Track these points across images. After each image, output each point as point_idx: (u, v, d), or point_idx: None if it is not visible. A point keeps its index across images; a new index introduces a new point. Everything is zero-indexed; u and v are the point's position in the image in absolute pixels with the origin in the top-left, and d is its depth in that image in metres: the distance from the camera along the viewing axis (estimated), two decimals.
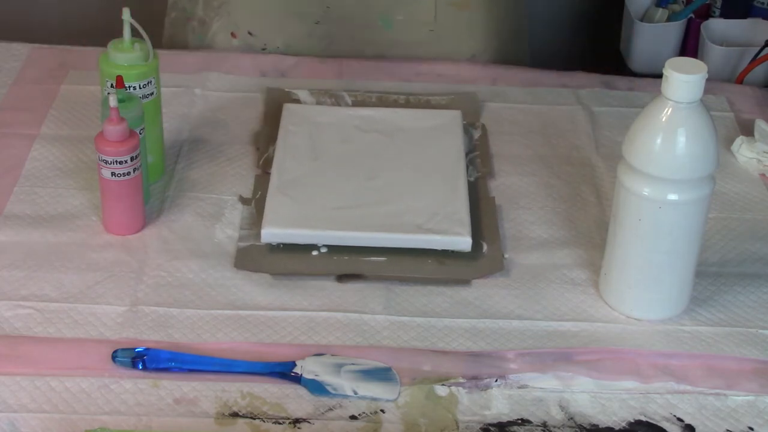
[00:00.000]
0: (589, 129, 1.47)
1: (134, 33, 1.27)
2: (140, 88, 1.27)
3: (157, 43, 1.35)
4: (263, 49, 1.61)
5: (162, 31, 1.70)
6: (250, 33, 1.61)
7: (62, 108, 1.45)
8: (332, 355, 1.11)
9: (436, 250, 1.23)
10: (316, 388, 1.08)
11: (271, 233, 1.23)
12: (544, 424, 1.06)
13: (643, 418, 1.07)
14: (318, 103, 1.48)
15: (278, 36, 1.60)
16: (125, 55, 1.27)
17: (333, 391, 1.07)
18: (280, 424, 1.04)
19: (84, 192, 1.31)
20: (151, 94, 1.29)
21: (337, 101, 1.49)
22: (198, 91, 1.50)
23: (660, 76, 1.09)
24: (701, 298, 1.21)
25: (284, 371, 1.09)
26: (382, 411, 1.06)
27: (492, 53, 1.65)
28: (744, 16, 1.75)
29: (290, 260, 1.22)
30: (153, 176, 1.32)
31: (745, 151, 1.41)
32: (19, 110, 1.44)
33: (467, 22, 1.61)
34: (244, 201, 1.31)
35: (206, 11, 1.62)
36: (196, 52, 1.62)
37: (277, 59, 1.58)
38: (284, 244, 1.23)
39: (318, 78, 1.54)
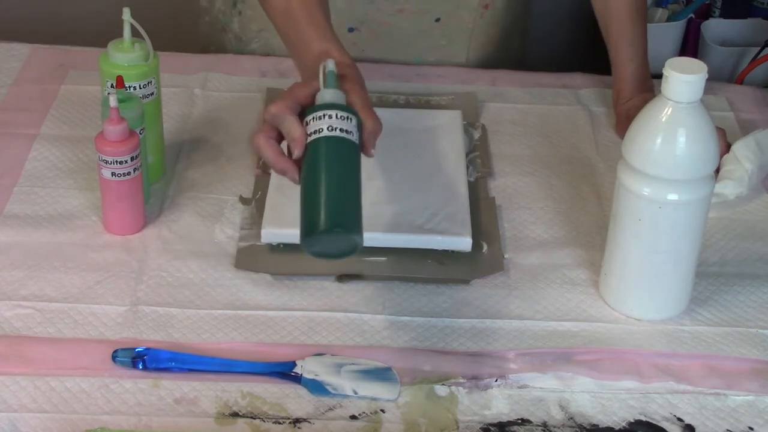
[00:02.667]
0: (589, 129, 1.47)
1: (134, 33, 1.27)
2: (140, 88, 1.27)
3: (161, 44, 1.35)
4: None
5: (163, 33, 1.69)
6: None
7: (62, 108, 1.45)
8: (332, 355, 1.11)
9: (436, 250, 1.23)
10: (316, 388, 1.08)
11: (271, 233, 1.23)
12: (544, 424, 1.06)
13: (643, 418, 1.07)
14: None
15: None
16: (125, 55, 1.27)
17: (333, 391, 1.07)
18: (280, 424, 1.04)
19: (84, 192, 1.31)
20: (151, 94, 1.29)
21: None
22: (198, 91, 1.50)
23: (660, 76, 1.09)
24: (701, 298, 1.21)
25: (284, 371, 1.09)
26: (382, 411, 1.06)
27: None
28: (744, 16, 1.75)
29: (290, 260, 1.22)
30: (153, 176, 1.32)
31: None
32: (19, 110, 1.44)
33: (495, 55, 1.62)
34: (244, 201, 1.31)
35: (243, 31, 1.61)
36: (196, 52, 1.62)
37: (277, 60, 1.58)
38: (284, 244, 1.23)
39: None
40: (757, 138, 1.35)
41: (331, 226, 1.03)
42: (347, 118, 1.07)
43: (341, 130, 1.06)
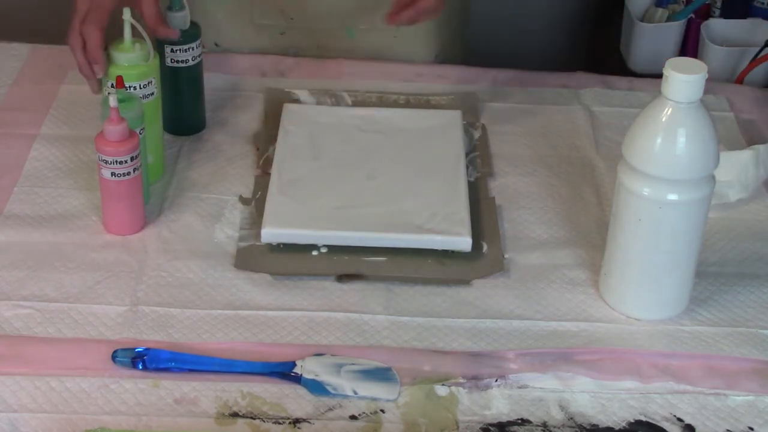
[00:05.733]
0: (589, 129, 1.47)
1: (134, 33, 1.27)
2: (140, 88, 1.28)
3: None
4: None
5: None
6: (216, 44, 1.61)
7: (62, 108, 1.45)
8: (332, 355, 1.11)
9: (436, 250, 1.23)
10: (316, 388, 1.08)
11: (271, 233, 1.23)
12: (544, 424, 1.06)
13: (643, 418, 1.07)
14: (318, 103, 1.48)
15: (244, 47, 1.60)
16: (125, 55, 1.27)
17: (333, 391, 1.07)
18: (280, 424, 1.04)
19: (84, 192, 1.31)
20: (151, 94, 1.29)
21: (337, 101, 1.49)
22: None
23: (660, 76, 1.09)
24: (701, 298, 1.21)
25: (284, 371, 1.09)
26: (382, 411, 1.06)
27: (456, 54, 1.64)
28: (744, 16, 1.75)
29: (290, 260, 1.22)
30: (153, 176, 1.32)
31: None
32: (19, 110, 1.44)
33: (428, 27, 1.60)
34: (244, 201, 1.31)
35: None
36: None
37: (277, 59, 1.58)
38: (284, 244, 1.23)
39: (318, 78, 1.54)
40: None
41: None
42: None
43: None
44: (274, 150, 1.36)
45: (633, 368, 1.12)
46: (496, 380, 1.10)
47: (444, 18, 1.59)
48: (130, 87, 1.26)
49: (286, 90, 1.51)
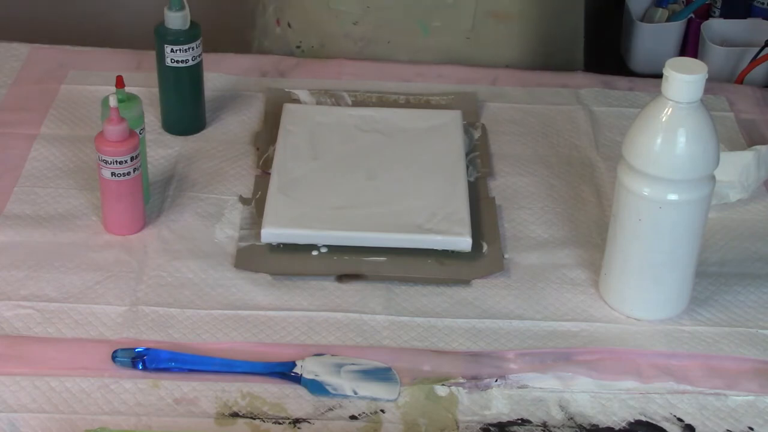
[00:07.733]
0: (589, 129, 1.47)
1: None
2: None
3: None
4: (298, 47, 1.62)
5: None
6: (289, 25, 1.61)
7: (62, 108, 1.45)
8: (332, 355, 1.11)
9: (436, 250, 1.23)
10: (316, 388, 1.08)
11: (271, 233, 1.23)
12: (544, 424, 1.06)
13: (643, 418, 1.07)
14: (318, 103, 1.48)
15: (315, 33, 1.60)
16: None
17: (333, 391, 1.07)
18: (280, 424, 1.04)
19: (84, 192, 1.31)
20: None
21: (337, 101, 1.49)
22: None
23: (660, 76, 1.09)
24: (701, 298, 1.21)
25: (284, 371, 1.09)
26: (382, 411, 1.06)
27: (529, 63, 1.64)
28: (744, 16, 1.76)
29: (290, 260, 1.22)
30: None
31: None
32: (19, 110, 1.44)
33: (505, 32, 1.61)
34: (244, 201, 1.31)
35: None
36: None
37: (277, 59, 1.58)
38: (284, 244, 1.23)
39: (318, 78, 1.54)
40: None
41: None
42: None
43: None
44: (274, 150, 1.36)
45: (633, 368, 1.12)
46: (496, 380, 1.10)
47: (521, 29, 1.60)
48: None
49: (286, 90, 1.51)
